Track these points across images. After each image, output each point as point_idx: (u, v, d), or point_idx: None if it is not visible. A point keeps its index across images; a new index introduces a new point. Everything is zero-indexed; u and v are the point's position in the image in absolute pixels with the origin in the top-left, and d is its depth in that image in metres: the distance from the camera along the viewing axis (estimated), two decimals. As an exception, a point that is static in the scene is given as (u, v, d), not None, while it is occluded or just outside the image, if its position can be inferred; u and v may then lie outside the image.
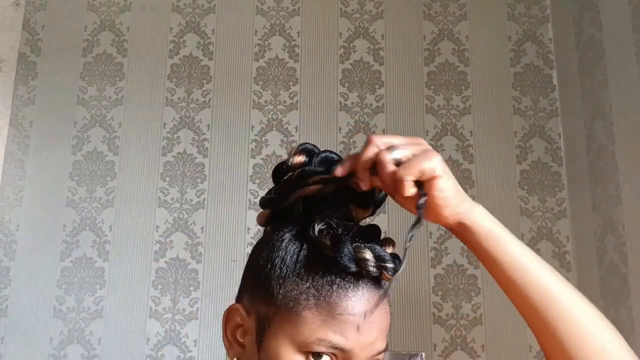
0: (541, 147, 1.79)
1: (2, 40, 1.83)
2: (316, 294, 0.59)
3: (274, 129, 1.81)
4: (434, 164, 0.56)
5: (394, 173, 0.56)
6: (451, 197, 0.58)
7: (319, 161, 0.63)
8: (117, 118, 1.81)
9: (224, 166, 1.78)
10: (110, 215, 1.74)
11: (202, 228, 1.73)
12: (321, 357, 0.59)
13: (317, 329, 0.58)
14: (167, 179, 1.77)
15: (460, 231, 0.61)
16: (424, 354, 1.45)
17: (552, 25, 1.88)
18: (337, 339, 0.58)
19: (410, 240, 0.56)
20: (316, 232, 0.60)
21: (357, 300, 0.59)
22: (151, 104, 1.82)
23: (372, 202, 0.64)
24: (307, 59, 1.86)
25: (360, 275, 0.59)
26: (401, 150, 0.57)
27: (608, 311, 1.49)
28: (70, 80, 1.83)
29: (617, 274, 1.45)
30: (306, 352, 0.59)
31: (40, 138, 1.79)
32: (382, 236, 0.64)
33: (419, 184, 0.57)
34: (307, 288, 0.60)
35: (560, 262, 1.70)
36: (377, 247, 0.60)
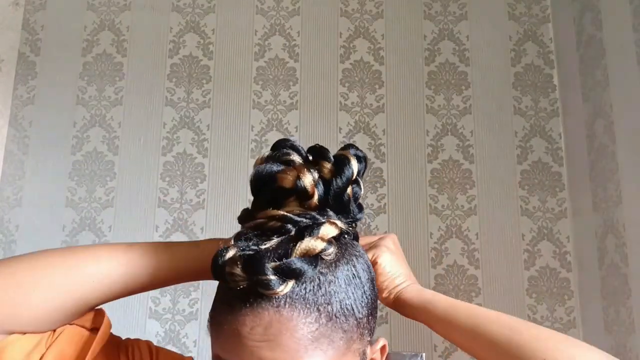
0: (542, 147, 1.79)
1: (2, 40, 1.83)
2: (215, 309, 0.58)
3: (274, 129, 1.81)
4: (387, 240, 0.70)
5: None
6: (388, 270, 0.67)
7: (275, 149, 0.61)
8: (116, 118, 1.80)
9: (223, 166, 1.78)
10: (109, 215, 1.73)
11: (202, 228, 1.73)
12: None
13: (214, 346, 0.58)
14: (167, 179, 1.77)
15: (398, 306, 0.67)
16: (424, 354, 1.44)
17: (552, 25, 1.88)
18: (227, 357, 0.56)
19: None
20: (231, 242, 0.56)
21: (246, 318, 0.53)
22: (151, 103, 1.82)
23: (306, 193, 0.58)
24: (307, 59, 1.86)
25: (248, 289, 0.53)
26: None
27: (608, 311, 1.49)
28: (70, 80, 1.83)
29: (618, 274, 1.45)
30: None
31: (39, 138, 1.79)
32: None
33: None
34: (214, 302, 0.59)
35: (561, 263, 1.69)
36: (263, 258, 0.52)
